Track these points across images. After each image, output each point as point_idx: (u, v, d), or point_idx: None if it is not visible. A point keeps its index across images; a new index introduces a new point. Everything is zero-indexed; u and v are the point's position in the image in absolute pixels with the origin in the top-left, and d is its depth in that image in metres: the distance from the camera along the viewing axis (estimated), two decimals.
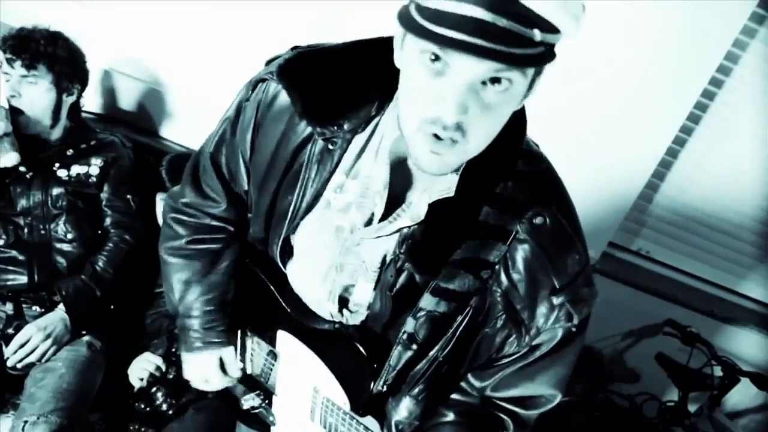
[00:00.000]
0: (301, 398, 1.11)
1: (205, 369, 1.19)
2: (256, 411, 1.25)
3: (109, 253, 1.80)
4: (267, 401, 1.23)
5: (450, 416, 0.97)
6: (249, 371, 1.25)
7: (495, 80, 0.70)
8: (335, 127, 0.88)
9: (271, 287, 1.13)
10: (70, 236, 1.75)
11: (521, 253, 0.85)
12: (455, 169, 0.81)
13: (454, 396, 0.98)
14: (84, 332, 1.76)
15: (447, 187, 0.84)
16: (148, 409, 1.69)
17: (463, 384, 0.97)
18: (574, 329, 0.89)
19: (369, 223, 0.91)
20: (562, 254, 0.86)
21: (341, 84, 0.89)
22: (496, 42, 0.65)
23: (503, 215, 0.84)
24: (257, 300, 1.16)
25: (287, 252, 1.02)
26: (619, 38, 1.94)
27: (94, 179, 1.80)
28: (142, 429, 1.70)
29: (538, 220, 0.85)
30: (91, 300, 1.74)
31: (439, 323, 0.88)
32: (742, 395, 2.39)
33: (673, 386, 2.24)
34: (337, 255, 0.96)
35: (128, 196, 1.86)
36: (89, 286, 1.74)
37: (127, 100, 2.15)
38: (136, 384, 1.71)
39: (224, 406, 1.72)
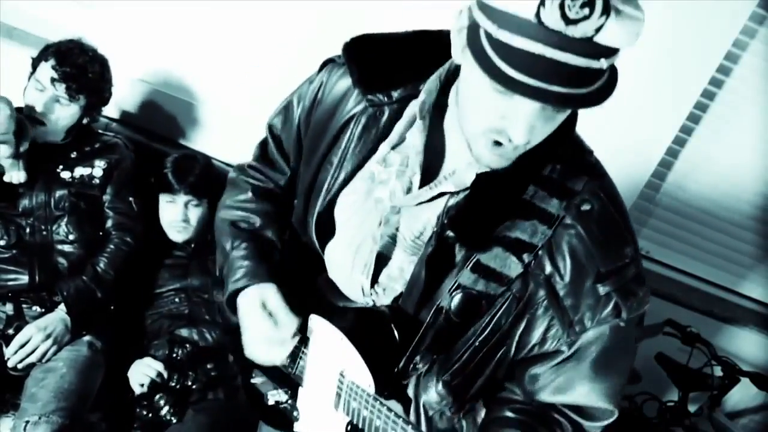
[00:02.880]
0: (326, 385, 1.09)
1: (253, 316, 1.05)
2: (282, 406, 1.24)
3: (110, 254, 1.80)
4: (293, 396, 1.22)
5: (507, 413, 0.93)
6: None
7: None
8: (384, 97, 0.92)
9: (308, 271, 1.12)
10: (71, 237, 1.76)
11: (567, 237, 0.84)
12: None
13: (503, 394, 0.95)
14: (84, 332, 1.76)
15: None
16: (150, 415, 1.68)
17: (507, 384, 0.94)
18: (623, 324, 0.85)
19: (408, 191, 0.91)
20: (609, 240, 0.84)
21: (396, 60, 0.93)
22: (567, 85, 0.65)
23: (550, 198, 0.83)
24: (294, 286, 1.14)
25: (324, 230, 1.02)
26: None
27: (97, 181, 1.80)
28: None
29: (585, 207, 0.83)
30: (91, 301, 1.74)
31: (475, 303, 0.86)
32: (742, 395, 2.39)
33: (673, 386, 2.24)
34: (375, 226, 0.95)
35: (130, 199, 1.86)
36: (90, 287, 1.74)
37: (128, 101, 2.15)
38: (137, 390, 1.70)
39: (227, 405, 1.74)
